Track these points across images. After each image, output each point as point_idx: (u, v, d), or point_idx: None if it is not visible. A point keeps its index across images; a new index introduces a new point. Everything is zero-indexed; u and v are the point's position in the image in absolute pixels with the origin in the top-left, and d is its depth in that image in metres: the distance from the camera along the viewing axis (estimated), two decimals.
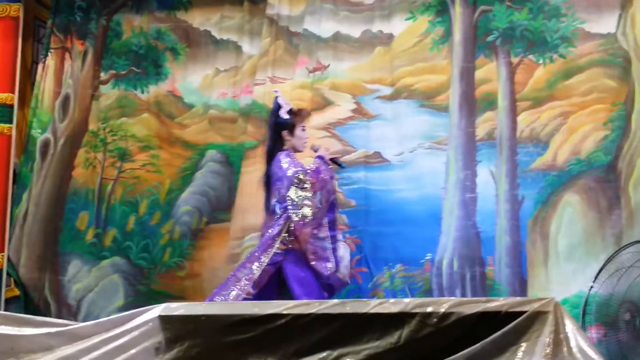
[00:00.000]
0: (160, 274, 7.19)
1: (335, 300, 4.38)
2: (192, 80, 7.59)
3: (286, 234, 5.40)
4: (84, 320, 6.72)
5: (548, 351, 3.61)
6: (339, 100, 7.04)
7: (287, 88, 7.15)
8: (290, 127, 5.63)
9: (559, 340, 3.63)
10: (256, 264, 5.34)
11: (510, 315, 3.75)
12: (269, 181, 5.63)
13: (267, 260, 5.35)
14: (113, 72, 7.67)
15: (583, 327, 4.92)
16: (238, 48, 7.52)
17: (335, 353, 3.90)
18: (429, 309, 3.84)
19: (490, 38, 6.76)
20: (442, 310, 3.82)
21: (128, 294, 7.17)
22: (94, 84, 7.65)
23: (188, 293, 7.09)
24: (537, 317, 3.72)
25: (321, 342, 3.94)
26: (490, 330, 3.74)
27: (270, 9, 7.37)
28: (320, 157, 5.62)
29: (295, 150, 5.66)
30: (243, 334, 4.02)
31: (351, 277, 6.69)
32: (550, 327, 3.66)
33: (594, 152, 6.34)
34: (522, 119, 6.57)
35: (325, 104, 7.07)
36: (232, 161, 7.32)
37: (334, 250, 5.47)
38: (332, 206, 5.60)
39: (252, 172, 7.02)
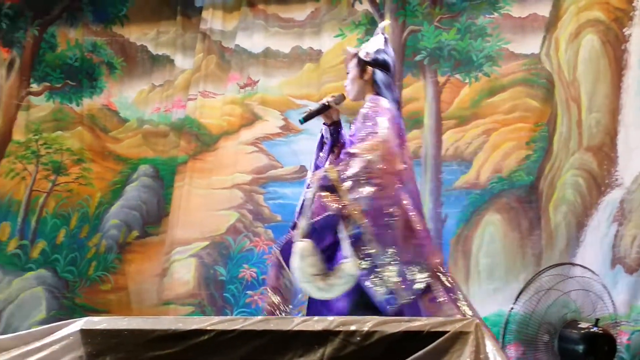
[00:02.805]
0: (84, 288, 7.13)
1: (260, 317, 4.37)
2: (127, 95, 7.55)
3: None
4: (3, 332, 6.61)
5: None
6: (267, 116, 7.07)
7: (218, 103, 7.20)
8: None
9: None
10: None
11: (433, 335, 3.77)
12: None
13: None
14: (47, 84, 7.58)
15: (503, 345, 5.00)
16: (172, 62, 7.52)
17: None
18: (353, 327, 3.84)
19: (418, 57, 6.82)
20: (366, 328, 3.82)
21: (51, 307, 7.09)
22: (20, 94, 7.55)
23: (112, 307, 7.04)
24: (458, 337, 3.74)
25: (244, 358, 3.93)
26: (413, 349, 3.75)
27: (203, 23, 7.37)
28: None
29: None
30: (165, 350, 3.97)
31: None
32: (471, 347, 3.69)
33: (515, 170, 6.43)
34: (447, 137, 6.64)
35: (254, 119, 7.10)
36: (162, 175, 7.30)
37: None
38: None
39: (183, 186, 7.02)
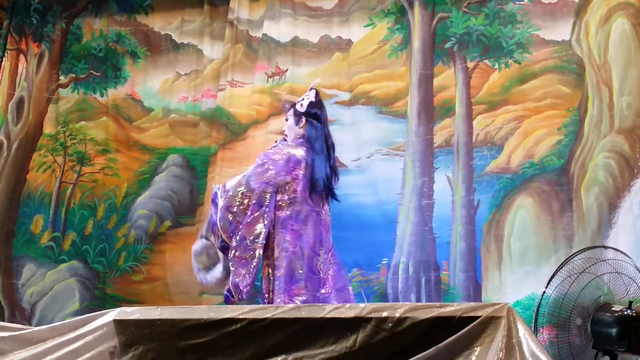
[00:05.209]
0: (115, 278, 7.17)
1: (291, 305, 4.39)
2: (152, 84, 7.61)
3: None
4: (38, 324, 6.68)
5: (501, 355, 3.63)
6: None
7: (246, 92, 7.20)
8: None
9: (511, 345, 3.66)
10: None
11: (464, 320, 3.77)
12: None
13: None
14: (73, 75, 7.66)
15: (535, 328, 4.97)
16: (198, 52, 7.57)
17: (291, 357, 3.89)
18: (384, 314, 3.85)
19: (448, 45, 6.81)
20: (397, 315, 3.83)
21: (84, 298, 7.14)
22: (51, 88, 7.62)
23: (146, 297, 7.08)
24: (490, 322, 3.74)
25: (276, 346, 3.94)
26: (445, 335, 3.75)
27: (230, 13, 7.39)
28: None
29: None
30: (198, 339, 4.00)
31: None
32: (503, 331, 3.69)
33: (547, 156, 6.38)
34: (478, 122, 6.62)
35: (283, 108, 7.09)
36: (193, 165, 7.32)
37: None
38: None
39: (214, 177, 7.04)
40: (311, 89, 5.43)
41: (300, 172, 5.13)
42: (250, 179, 5.08)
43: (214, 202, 5.21)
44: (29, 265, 7.25)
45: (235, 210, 5.07)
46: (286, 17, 7.27)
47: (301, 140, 5.25)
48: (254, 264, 4.98)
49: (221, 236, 5.07)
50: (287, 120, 5.35)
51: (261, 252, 5.01)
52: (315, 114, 5.31)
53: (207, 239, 5.28)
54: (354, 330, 3.87)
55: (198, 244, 5.27)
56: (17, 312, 7.14)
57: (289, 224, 5.09)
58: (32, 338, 4.28)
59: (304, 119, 5.27)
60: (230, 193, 5.09)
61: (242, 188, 5.07)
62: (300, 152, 5.18)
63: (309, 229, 5.13)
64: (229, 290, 4.97)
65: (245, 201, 5.06)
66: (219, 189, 5.21)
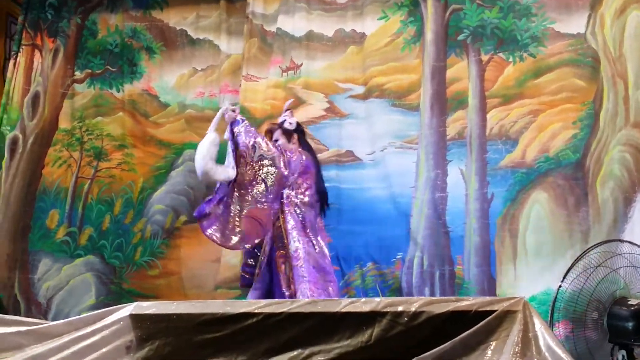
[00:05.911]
0: (131, 273, 7.19)
1: (307, 300, 4.40)
2: (168, 80, 7.62)
3: None
4: (54, 318, 6.70)
5: (517, 350, 3.64)
6: (311, 99, 7.07)
7: (261, 87, 7.20)
8: None
9: (527, 339, 3.67)
10: None
11: (480, 314, 3.78)
12: None
13: None
14: (89, 71, 7.67)
15: (551, 323, 4.97)
16: (214, 47, 7.57)
17: (307, 352, 3.92)
18: (400, 308, 3.86)
19: (461, 37, 6.80)
20: (413, 309, 3.85)
21: (100, 293, 7.15)
22: (66, 83, 7.63)
23: (162, 292, 7.08)
24: (506, 316, 3.75)
25: (292, 340, 3.96)
26: (460, 329, 3.76)
27: (247, 8, 7.39)
28: None
29: None
30: (214, 333, 4.03)
31: None
32: (519, 326, 3.70)
33: (562, 150, 6.37)
34: (492, 116, 6.61)
35: (298, 103, 7.06)
36: None
37: None
38: None
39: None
40: (287, 109, 5.89)
41: (310, 177, 5.66)
42: (275, 153, 5.51)
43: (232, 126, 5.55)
44: (45, 260, 7.26)
45: (257, 152, 5.47)
46: (300, 11, 7.26)
47: (306, 152, 5.75)
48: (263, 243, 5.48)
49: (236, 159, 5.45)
50: (277, 141, 5.71)
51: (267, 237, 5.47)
52: (303, 131, 5.89)
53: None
54: (370, 324, 3.89)
55: (215, 136, 5.54)
56: (33, 306, 7.15)
57: (300, 222, 5.50)
58: (48, 332, 4.31)
59: (295, 136, 5.76)
60: (255, 140, 5.46)
61: (271, 151, 5.48)
62: (309, 159, 5.70)
63: (315, 229, 5.57)
64: (245, 269, 5.56)
65: (264, 162, 5.48)
66: (242, 120, 5.58)
